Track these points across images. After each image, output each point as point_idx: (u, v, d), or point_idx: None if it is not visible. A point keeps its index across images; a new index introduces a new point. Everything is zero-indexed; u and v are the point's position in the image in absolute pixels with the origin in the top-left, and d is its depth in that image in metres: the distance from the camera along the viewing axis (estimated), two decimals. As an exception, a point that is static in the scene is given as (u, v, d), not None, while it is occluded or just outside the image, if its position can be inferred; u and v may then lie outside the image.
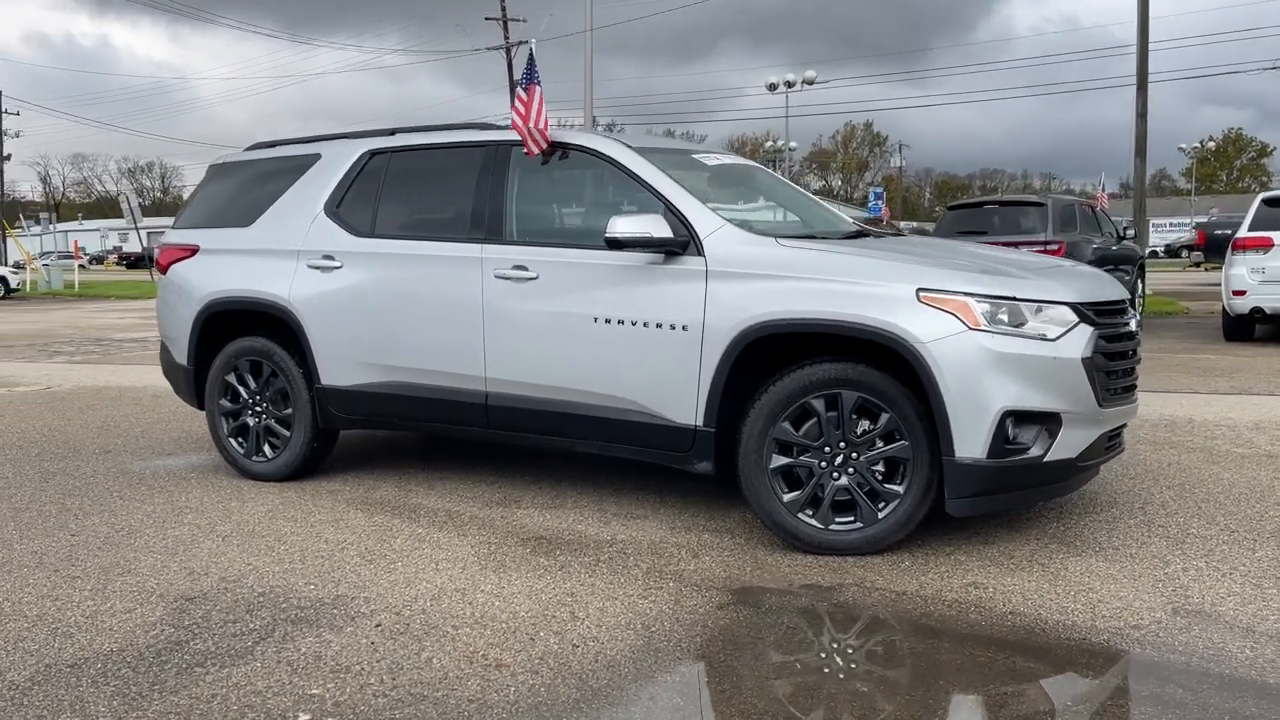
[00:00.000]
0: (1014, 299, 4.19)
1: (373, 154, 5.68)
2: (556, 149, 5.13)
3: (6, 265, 39.85)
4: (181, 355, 6.14)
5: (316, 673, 3.24)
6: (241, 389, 5.90)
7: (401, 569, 4.25)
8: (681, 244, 4.60)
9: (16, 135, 66.11)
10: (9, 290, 32.76)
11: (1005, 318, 4.16)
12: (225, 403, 5.97)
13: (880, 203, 43.19)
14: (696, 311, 4.54)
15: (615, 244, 4.56)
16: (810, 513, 4.37)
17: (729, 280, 4.51)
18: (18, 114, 68.80)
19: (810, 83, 47.68)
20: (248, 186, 6.09)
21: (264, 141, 6.38)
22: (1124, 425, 4.72)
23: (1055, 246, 13.17)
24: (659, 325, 4.63)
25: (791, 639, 3.55)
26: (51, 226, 75.59)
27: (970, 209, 14.45)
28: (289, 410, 5.73)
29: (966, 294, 4.16)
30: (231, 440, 5.97)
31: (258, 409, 5.87)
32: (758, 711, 2.97)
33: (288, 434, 5.76)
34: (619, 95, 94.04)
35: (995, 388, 4.10)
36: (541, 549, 4.49)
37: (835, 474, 4.35)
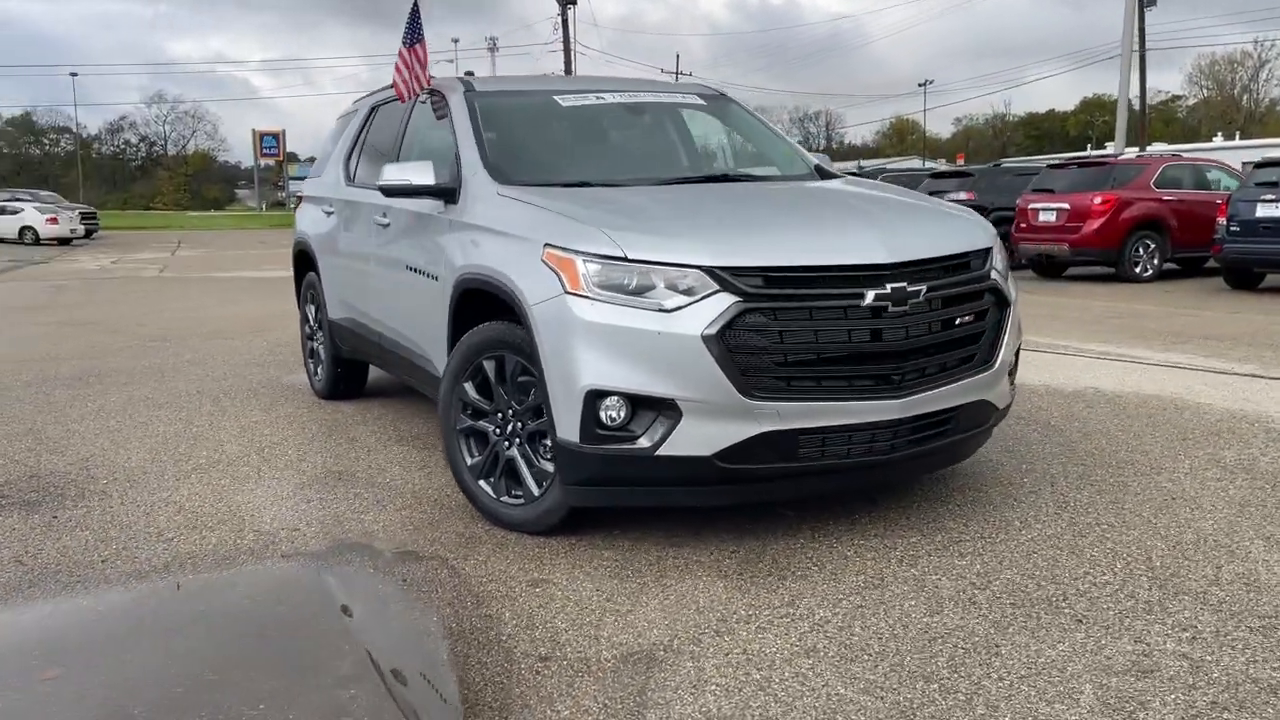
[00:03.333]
0: (624, 259, 3.53)
1: (373, 108, 6.19)
2: (428, 96, 5.21)
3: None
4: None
5: (-62, 541, 4.04)
6: (309, 318, 6.86)
7: (216, 477, 4.85)
8: (449, 191, 4.50)
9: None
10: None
11: (625, 281, 3.53)
12: (305, 329, 6.98)
13: None
14: (440, 262, 4.45)
15: (384, 191, 4.61)
16: (491, 480, 4.12)
17: (460, 230, 4.35)
18: (690, 74, 79.09)
19: None
20: (332, 140, 6.95)
21: (363, 97, 7.17)
22: (911, 421, 3.64)
23: None
24: (426, 274, 4.61)
25: (257, 601, 3.55)
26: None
27: None
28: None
29: (575, 251, 3.60)
30: (309, 361, 6.97)
31: (316, 336, 6.77)
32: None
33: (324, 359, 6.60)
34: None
35: (583, 361, 3.53)
36: (327, 481, 4.78)
37: (506, 443, 4.04)
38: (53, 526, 4.20)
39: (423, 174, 4.46)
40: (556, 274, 3.62)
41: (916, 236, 3.81)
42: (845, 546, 3.79)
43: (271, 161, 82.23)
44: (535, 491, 3.92)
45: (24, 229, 34.71)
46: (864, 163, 37.73)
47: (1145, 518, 4.01)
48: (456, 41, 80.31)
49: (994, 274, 3.96)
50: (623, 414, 3.53)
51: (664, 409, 3.49)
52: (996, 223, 16.90)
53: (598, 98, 5.06)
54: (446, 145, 4.80)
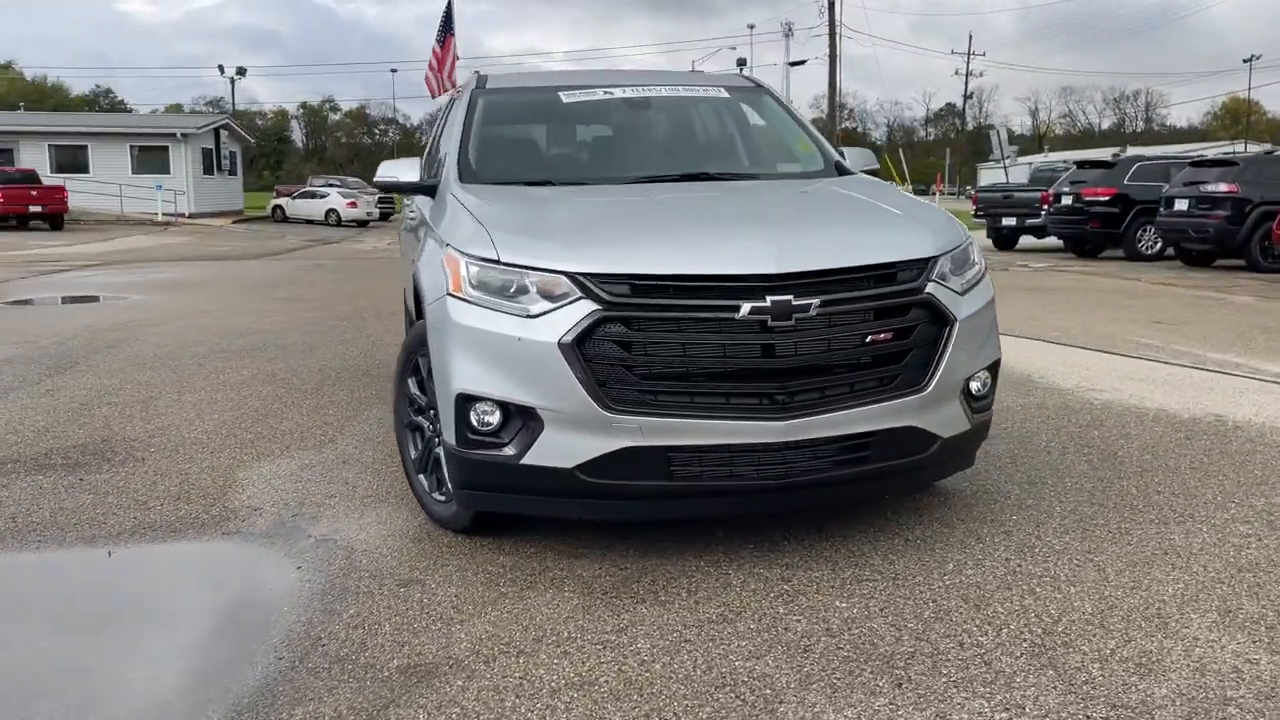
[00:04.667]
0: (497, 262, 3.47)
1: (450, 103, 6.37)
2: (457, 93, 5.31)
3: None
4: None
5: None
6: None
7: (242, 452, 5.22)
8: (431, 188, 4.59)
9: (980, 75, 74.15)
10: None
11: (499, 284, 3.47)
12: (407, 318, 7.32)
13: None
14: (413, 257, 4.55)
15: (377, 186, 4.76)
16: (424, 476, 4.17)
17: (428, 227, 4.42)
18: (984, 54, 76.06)
19: None
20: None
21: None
22: (807, 446, 3.37)
23: None
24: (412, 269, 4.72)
25: (142, 575, 3.80)
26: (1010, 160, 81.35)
27: None
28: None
29: (462, 253, 3.59)
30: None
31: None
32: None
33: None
34: None
35: (456, 364, 3.51)
36: (331, 464, 5.03)
37: (436, 439, 4.08)
38: (70, 488, 4.66)
39: (409, 171, 4.57)
40: (447, 275, 3.61)
41: (826, 245, 3.49)
42: (741, 573, 3.54)
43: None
44: (452, 490, 3.93)
45: (329, 211, 38.36)
46: (1126, 149, 34.26)
47: (1106, 574, 3.48)
48: (752, 28, 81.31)
49: (931, 287, 3.54)
50: (495, 420, 3.47)
51: (529, 417, 3.41)
52: (1263, 218, 15.05)
53: (606, 93, 4.96)
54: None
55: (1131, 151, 30.86)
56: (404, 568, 3.68)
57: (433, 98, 5.13)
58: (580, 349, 3.27)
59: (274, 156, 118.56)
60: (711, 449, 3.34)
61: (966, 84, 73.87)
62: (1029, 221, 21.31)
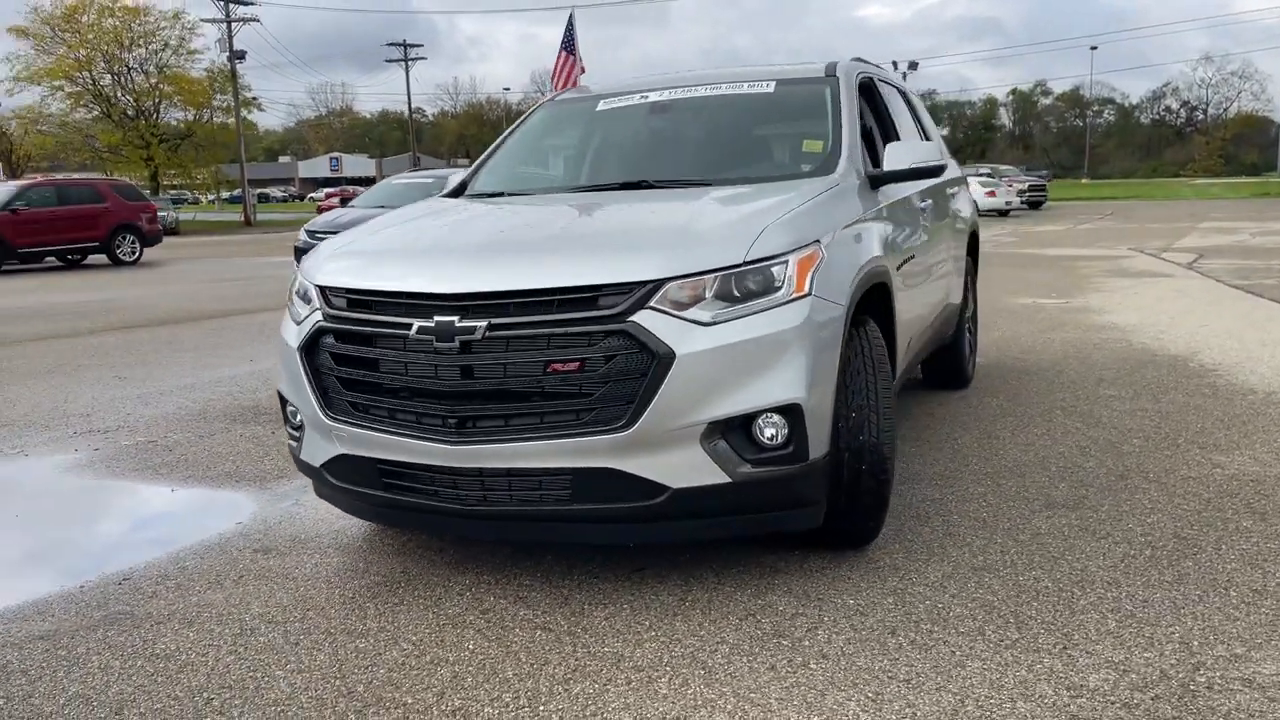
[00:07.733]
0: (297, 272, 3.80)
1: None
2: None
3: None
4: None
5: (172, 434, 6.05)
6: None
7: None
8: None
9: None
10: None
11: (299, 291, 3.81)
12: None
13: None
14: None
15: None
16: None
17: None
18: None
19: None
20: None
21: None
22: (501, 475, 3.20)
23: None
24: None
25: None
26: None
27: None
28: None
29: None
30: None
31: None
32: None
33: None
34: None
35: (278, 365, 3.92)
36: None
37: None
38: (250, 439, 5.85)
39: (458, 178, 4.97)
40: (299, 286, 4.01)
41: (537, 265, 3.21)
42: (472, 590, 3.44)
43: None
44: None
45: (966, 200, 37.98)
46: None
47: (766, 683, 2.74)
48: None
49: (643, 314, 3.03)
50: (299, 417, 3.81)
51: (298, 415, 3.70)
52: None
53: (641, 98, 4.80)
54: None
55: None
56: (285, 539, 4.16)
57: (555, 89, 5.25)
58: (309, 357, 3.49)
59: (978, 145, 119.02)
60: (411, 467, 3.33)
61: None
62: None
